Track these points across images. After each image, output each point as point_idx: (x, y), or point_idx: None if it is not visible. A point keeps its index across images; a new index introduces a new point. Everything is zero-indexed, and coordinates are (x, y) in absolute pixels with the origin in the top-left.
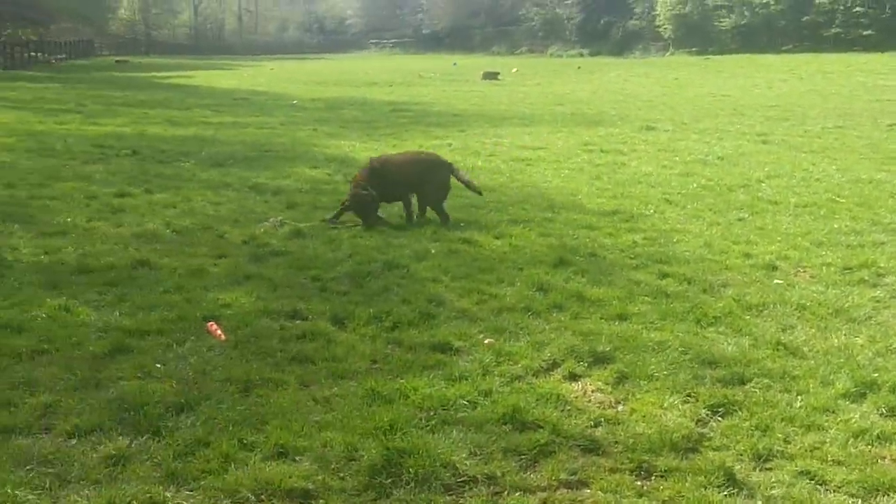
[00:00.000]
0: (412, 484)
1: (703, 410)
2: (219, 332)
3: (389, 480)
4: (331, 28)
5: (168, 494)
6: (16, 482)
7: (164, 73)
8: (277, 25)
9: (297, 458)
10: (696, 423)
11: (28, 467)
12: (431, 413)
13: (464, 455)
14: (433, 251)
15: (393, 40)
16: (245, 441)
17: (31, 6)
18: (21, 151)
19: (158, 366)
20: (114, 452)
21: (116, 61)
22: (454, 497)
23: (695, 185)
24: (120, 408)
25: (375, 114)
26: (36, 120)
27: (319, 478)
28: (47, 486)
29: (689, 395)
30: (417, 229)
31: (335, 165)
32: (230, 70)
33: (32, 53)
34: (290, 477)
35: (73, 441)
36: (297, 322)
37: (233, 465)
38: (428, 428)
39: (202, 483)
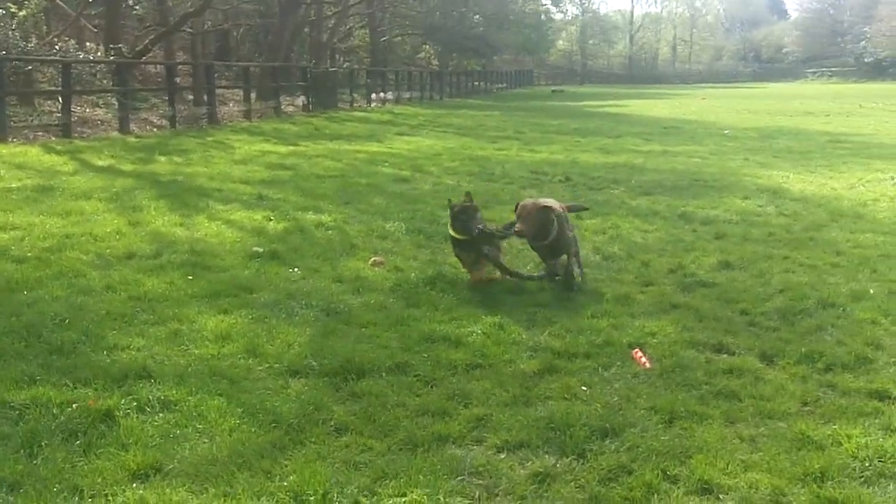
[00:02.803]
0: None
1: None
2: (644, 359)
3: None
4: (766, 57)
5: None
6: (448, 490)
7: (597, 102)
8: (712, 54)
9: (720, 497)
10: None
11: (460, 477)
12: (866, 464)
13: None
14: (872, 291)
15: (833, 69)
16: (668, 473)
17: (481, 39)
18: (464, 175)
19: (584, 388)
20: (540, 470)
21: (553, 90)
22: None
23: None
24: (547, 426)
25: (810, 144)
26: (477, 146)
27: None
28: (476, 496)
29: None
30: (854, 267)
31: (767, 197)
32: (661, 99)
33: (476, 83)
34: None
35: (502, 455)
36: (724, 356)
37: (656, 496)
38: (862, 479)
39: None
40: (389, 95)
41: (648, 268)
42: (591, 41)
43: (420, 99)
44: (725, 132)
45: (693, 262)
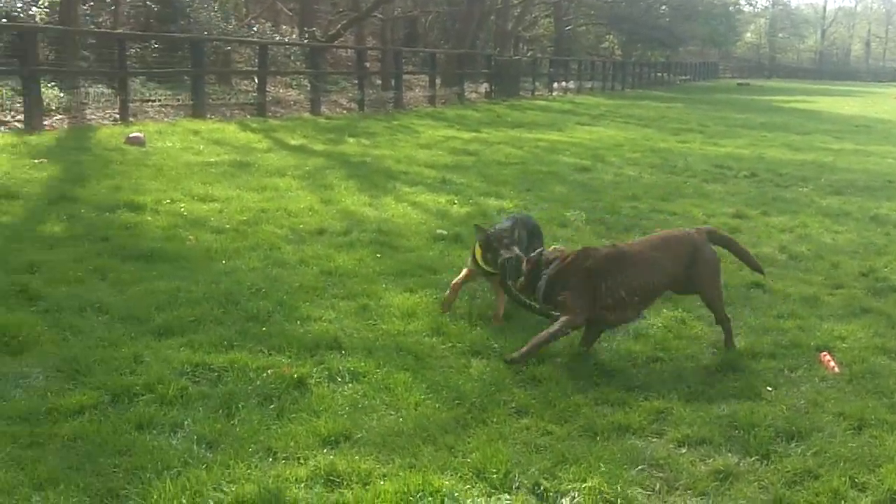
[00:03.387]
0: None
1: None
2: (832, 363)
3: None
4: None
5: None
6: (627, 480)
7: (785, 97)
8: None
9: None
10: None
11: (640, 467)
12: None
13: None
14: None
15: None
16: (856, 480)
17: (666, 30)
18: (645, 166)
19: (769, 389)
20: (722, 468)
21: (738, 84)
22: None
23: None
24: (730, 425)
25: None
26: (659, 137)
27: None
28: (657, 489)
29: None
30: None
31: None
32: (853, 97)
33: (659, 74)
34: None
35: (683, 450)
36: None
37: (843, 503)
38: None
39: None
40: (571, 85)
41: (838, 269)
42: (780, 34)
43: (602, 89)
44: None
45: (886, 266)
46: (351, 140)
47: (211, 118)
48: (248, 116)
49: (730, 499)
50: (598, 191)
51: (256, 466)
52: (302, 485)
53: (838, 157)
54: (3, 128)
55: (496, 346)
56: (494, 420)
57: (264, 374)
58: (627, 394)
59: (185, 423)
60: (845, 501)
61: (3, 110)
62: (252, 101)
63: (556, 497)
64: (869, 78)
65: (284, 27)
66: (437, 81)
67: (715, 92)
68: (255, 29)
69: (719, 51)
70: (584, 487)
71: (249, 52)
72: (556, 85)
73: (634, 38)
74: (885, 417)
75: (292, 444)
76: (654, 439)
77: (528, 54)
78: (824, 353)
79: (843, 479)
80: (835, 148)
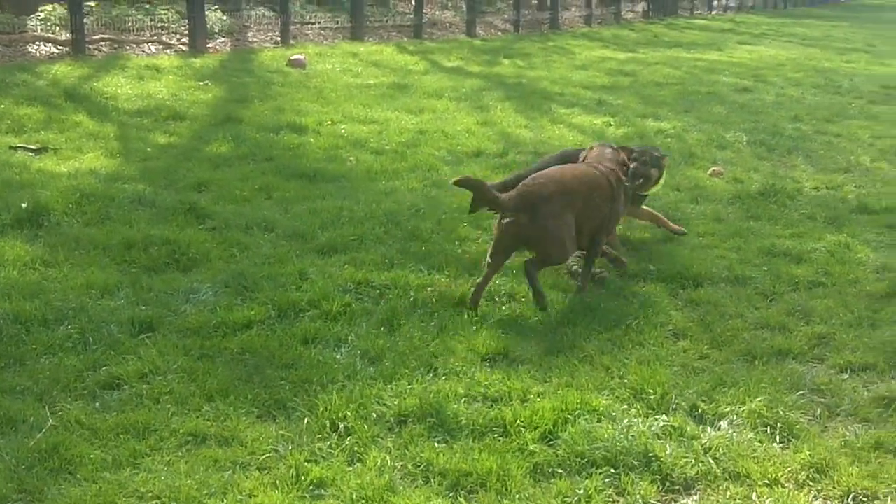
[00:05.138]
0: None
1: None
2: None
3: None
4: None
5: None
6: (788, 404)
7: None
8: None
9: None
10: None
11: (800, 392)
12: None
13: None
14: None
15: None
16: None
17: None
18: (808, 87)
19: None
20: (886, 394)
21: None
22: None
23: None
24: (895, 351)
25: None
26: (824, 57)
27: None
28: (818, 414)
29: None
30: None
31: None
32: None
33: None
34: None
35: (845, 375)
36: None
37: None
38: None
39: None
40: (732, 3)
41: None
42: None
43: (764, 7)
44: None
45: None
46: (506, 62)
47: (369, 40)
48: (406, 39)
49: (893, 425)
50: (759, 112)
51: (418, 381)
52: (462, 400)
53: None
54: (169, 51)
55: (653, 268)
56: (651, 342)
57: (425, 292)
58: (788, 318)
59: (349, 338)
60: None
61: (168, 33)
62: (409, 23)
63: (715, 419)
64: None
65: None
66: (594, 1)
67: (885, 10)
68: None
69: None
70: (743, 410)
71: None
72: (715, 3)
73: None
74: None
75: (452, 360)
76: (816, 364)
77: None
78: None
79: None
80: None
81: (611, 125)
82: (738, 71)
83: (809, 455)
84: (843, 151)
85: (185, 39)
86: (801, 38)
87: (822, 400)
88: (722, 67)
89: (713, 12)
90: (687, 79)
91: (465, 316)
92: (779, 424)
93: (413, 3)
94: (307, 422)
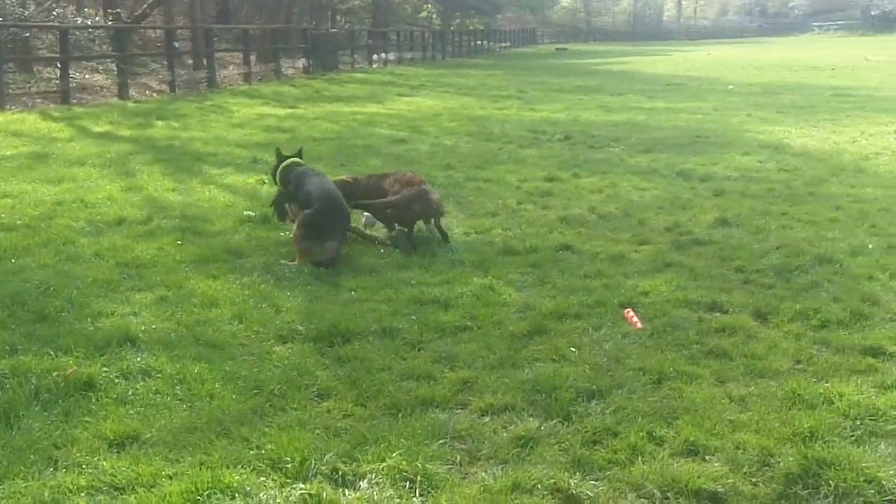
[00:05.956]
0: (831, 498)
1: None
2: (635, 319)
3: (806, 492)
4: (773, 11)
5: (573, 482)
6: (428, 455)
7: (601, 60)
8: (717, 10)
9: (706, 458)
10: None
11: (441, 441)
12: (857, 422)
13: (891, 472)
14: (870, 246)
15: (839, 22)
16: (654, 434)
17: None
18: (462, 135)
19: (573, 350)
20: (523, 433)
21: (556, 49)
22: None
23: None
24: (533, 389)
25: (815, 99)
26: (478, 105)
27: (730, 481)
28: (458, 461)
29: None
30: (852, 222)
31: (768, 153)
32: (666, 56)
33: (479, 42)
34: (698, 477)
35: (486, 418)
36: (717, 315)
37: (640, 459)
38: (853, 438)
39: (608, 473)
40: (391, 56)
41: (644, 226)
42: None
43: (422, 59)
44: (729, 87)
45: (690, 220)
46: (160, 123)
47: (10, 109)
48: (52, 105)
49: (530, 464)
50: (413, 162)
51: (34, 478)
52: (83, 494)
53: (650, 115)
54: None
55: (301, 329)
56: (294, 406)
57: (50, 377)
58: (434, 366)
59: None
60: (642, 456)
61: None
62: (55, 88)
63: (356, 480)
64: (682, 37)
65: (88, 10)
66: (252, 58)
67: (534, 58)
68: (55, 13)
69: (537, 17)
70: (383, 467)
71: (51, 37)
72: (375, 57)
73: (452, 7)
74: (684, 369)
75: (75, 450)
76: (459, 410)
77: (346, 27)
78: (628, 309)
79: (641, 433)
80: (647, 107)
81: (264, 183)
82: (395, 123)
83: None
84: (492, 196)
85: None
86: (457, 88)
87: (463, 446)
88: (380, 120)
89: (374, 65)
90: (345, 133)
91: (94, 399)
92: (418, 477)
93: (59, 67)
94: None
